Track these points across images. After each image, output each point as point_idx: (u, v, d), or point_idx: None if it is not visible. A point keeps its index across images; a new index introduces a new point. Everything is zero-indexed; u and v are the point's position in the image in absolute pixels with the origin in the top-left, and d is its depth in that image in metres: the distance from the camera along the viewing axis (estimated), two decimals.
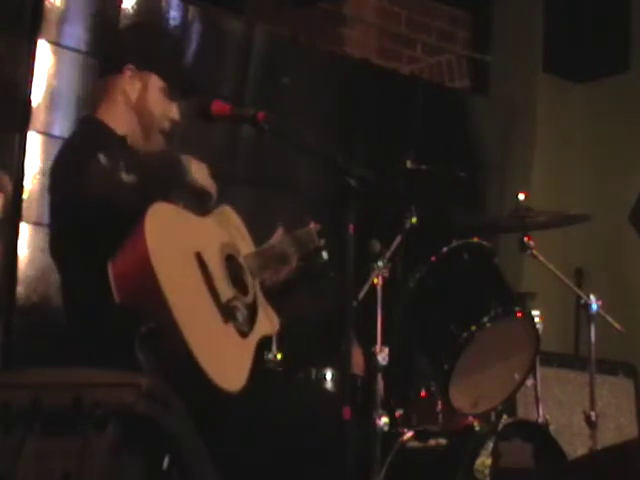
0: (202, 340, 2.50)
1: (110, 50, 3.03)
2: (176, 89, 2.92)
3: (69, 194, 2.62)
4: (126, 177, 2.51)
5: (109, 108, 2.87)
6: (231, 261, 2.82)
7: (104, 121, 2.86)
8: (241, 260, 2.89)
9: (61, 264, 2.82)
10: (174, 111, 2.92)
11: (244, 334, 2.75)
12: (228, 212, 3.00)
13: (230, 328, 2.69)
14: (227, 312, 2.68)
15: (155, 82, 2.88)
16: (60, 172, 2.75)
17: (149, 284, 2.44)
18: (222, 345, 2.65)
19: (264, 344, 2.92)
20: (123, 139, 2.84)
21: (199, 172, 2.76)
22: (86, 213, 2.58)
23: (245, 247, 2.98)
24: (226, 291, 2.72)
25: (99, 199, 2.54)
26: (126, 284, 2.50)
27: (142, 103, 2.87)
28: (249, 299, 2.83)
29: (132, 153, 2.82)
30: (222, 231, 2.89)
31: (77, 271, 2.73)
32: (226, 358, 2.63)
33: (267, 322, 2.93)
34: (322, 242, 3.10)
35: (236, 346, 2.71)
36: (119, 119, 2.86)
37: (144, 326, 2.47)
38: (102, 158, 2.52)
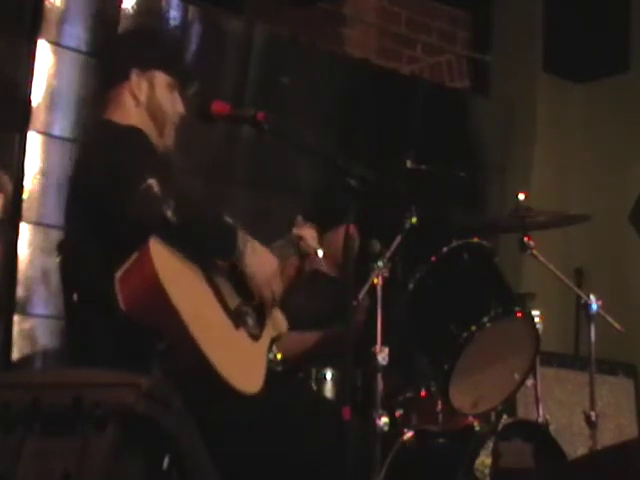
0: (218, 348, 2.55)
1: (113, 60, 3.02)
2: (180, 81, 2.93)
3: (112, 204, 2.59)
4: (170, 216, 2.52)
5: (119, 111, 2.86)
6: (234, 268, 2.83)
7: (143, 130, 2.83)
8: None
9: (73, 265, 2.77)
10: (181, 105, 2.94)
11: (256, 337, 2.80)
12: None
13: (242, 333, 2.75)
14: (237, 318, 2.74)
15: (161, 79, 2.90)
16: (106, 178, 2.64)
17: (161, 302, 2.48)
18: (237, 350, 2.70)
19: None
20: (167, 157, 2.86)
21: (258, 264, 2.77)
22: (119, 224, 2.58)
23: None
24: (233, 297, 2.77)
25: (140, 220, 2.55)
26: (136, 303, 2.52)
27: (152, 102, 2.88)
28: (256, 302, 2.86)
29: (180, 184, 2.79)
30: None
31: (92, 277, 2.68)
32: (243, 362, 2.69)
33: (276, 322, 2.97)
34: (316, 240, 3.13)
35: (250, 349, 2.77)
36: (131, 120, 2.85)
37: (160, 343, 2.49)
38: (155, 185, 2.51)
